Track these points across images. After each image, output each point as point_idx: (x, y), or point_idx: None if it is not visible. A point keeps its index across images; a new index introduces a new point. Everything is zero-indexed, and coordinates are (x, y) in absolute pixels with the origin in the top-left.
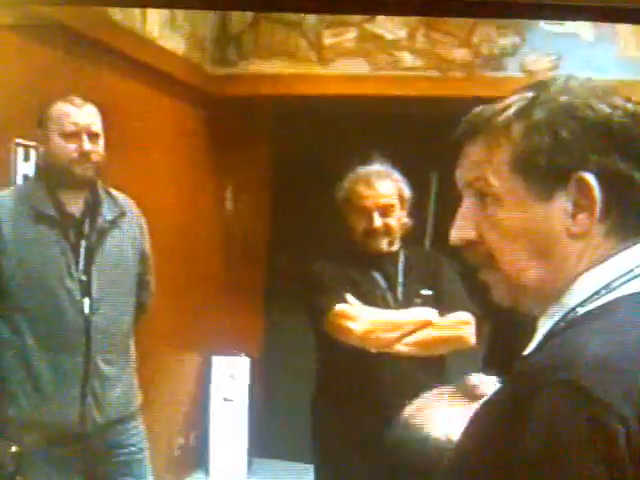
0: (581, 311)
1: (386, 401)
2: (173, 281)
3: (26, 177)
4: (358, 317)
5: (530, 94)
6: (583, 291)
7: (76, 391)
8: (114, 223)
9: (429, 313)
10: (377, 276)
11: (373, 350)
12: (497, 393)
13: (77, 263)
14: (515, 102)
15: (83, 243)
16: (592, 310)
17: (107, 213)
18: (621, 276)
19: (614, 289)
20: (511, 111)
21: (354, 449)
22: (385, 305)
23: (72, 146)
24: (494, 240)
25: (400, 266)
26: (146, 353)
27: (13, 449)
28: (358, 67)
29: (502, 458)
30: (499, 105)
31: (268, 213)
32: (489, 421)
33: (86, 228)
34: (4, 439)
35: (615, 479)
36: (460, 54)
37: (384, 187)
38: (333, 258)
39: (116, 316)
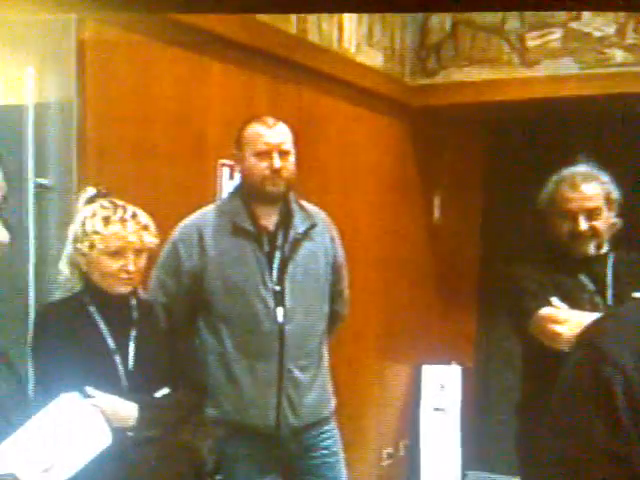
0: None
1: None
2: (383, 291)
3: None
4: (567, 320)
5: None
6: None
7: (272, 396)
8: (306, 235)
9: None
10: (584, 279)
11: None
12: None
13: (271, 274)
14: None
15: (277, 254)
16: None
17: (299, 225)
18: None
19: None
20: None
21: None
22: (593, 308)
23: (264, 164)
24: None
25: (609, 269)
26: (355, 362)
27: (213, 447)
28: (565, 67)
29: None
30: None
31: (479, 220)
32: None
33: (279, 240)
34: (206, 439)
35: (611, 425)
36: None
37: (590, 189)
38: (537, 262)
39: (309, 325)
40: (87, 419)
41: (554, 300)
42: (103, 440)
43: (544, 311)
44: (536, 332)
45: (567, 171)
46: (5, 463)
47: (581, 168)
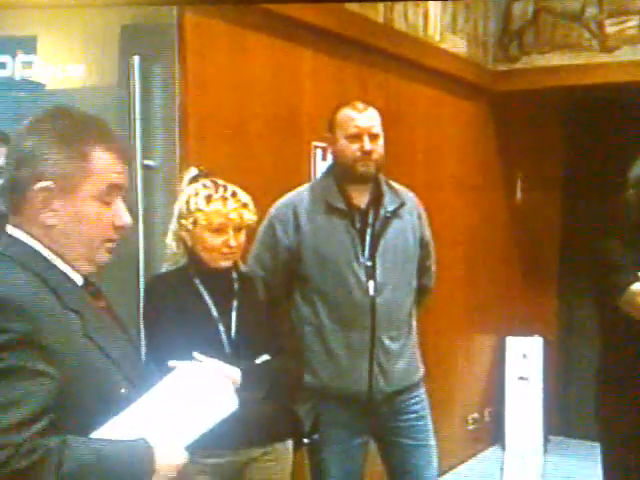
0: None
1: None
2: (468, 266)
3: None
4: None
5: None
6: None
7: (365, 364)
8: (395, 213)
9: None
10: None
11: None
12: None
13: (363, 250)
14: None
15: (368, 232)
16: None
17: (389, 204)
18: None
19: None
20: None
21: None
22: None
23: (355, 146)
24: None
25: None
26: (443, 333)
27: (309, 410)
28: None
29: None
30: None
31: (559, 199)
32: None
33: (370, 218)
34: (303, 402)
35: None
36: None
37: None
38: (622, 238)
39: (398, 298)
40: (217, 386)
41: None
42: (231, 405)
43: (636, 286)
44: (627, 306)
45: None
46: (135, 427)
47: None
